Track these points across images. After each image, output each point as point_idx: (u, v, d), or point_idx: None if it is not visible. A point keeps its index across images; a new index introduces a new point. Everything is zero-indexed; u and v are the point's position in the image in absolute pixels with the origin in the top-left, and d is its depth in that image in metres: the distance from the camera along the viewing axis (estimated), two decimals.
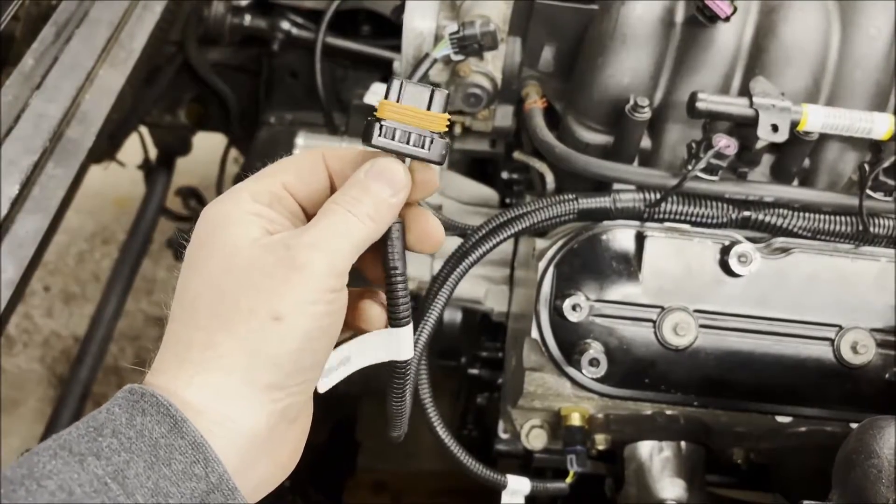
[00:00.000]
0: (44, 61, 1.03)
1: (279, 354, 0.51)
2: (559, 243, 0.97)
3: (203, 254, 0.54)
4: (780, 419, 0.97)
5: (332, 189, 0.58)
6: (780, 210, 0.97)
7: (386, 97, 0.55)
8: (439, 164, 0.55)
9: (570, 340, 0.94)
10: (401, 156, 0.55)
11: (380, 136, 0.54)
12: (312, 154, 0.58)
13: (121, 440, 0.47)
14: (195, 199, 1.93)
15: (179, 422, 0.48)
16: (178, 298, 0.54)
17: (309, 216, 0.57)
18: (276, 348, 0.51)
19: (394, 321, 0.59)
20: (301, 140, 1.20)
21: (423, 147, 0.55)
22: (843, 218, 0.97)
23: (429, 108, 0.55)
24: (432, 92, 0.55)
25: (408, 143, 0.54)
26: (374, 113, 0.55)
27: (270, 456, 0.53)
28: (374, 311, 0.60)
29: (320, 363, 0.54)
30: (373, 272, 0.60)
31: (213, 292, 0.52)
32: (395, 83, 0.55)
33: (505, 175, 1.24)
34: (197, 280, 0.53)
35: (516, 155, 1.15)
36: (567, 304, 0.93)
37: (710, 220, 0.97)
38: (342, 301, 0.53)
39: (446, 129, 0.56)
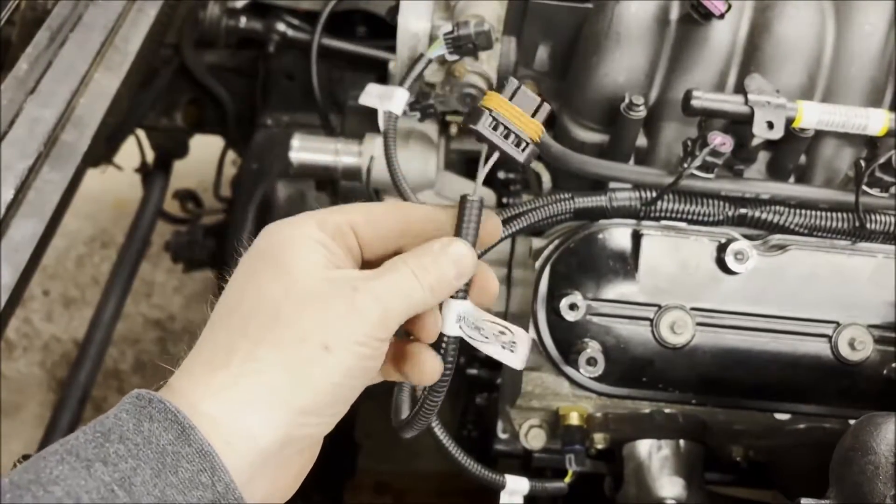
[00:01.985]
0: (38, 66, 1.03)
1: (320, 382, 0.52)
2: (556, 242, 0.97)
3: (264, 268, 0.55)
4: (778, 416, 0.97)
5: (402, 243, 0.59)
6: (777, 207, 0.97)
7: (499, 90, 0.56)
8: (524, 165, 0.57)
9: (568, 340, 0.94)
10: (494, 147, 0.56)
11: (485, 124, 0.56)
12: (392, 203, 0.60)
13: (128, 446, 0.47)
14: (193, 202, 1.93)
15: (187, 429, 0.48)
16: (226, 305, 0.55)
17: (364, 259, 0.59)
18: (320, 376, 0.52)
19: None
20: (297, 141, 1.20)
21: (517, 147, 0.56)
22: (839, 214, 0.96)
23: (533, 116, 0.57)
24: (541, 103, 0.57)
25: (506, 139, 0.56)
26: (482, 103, 0.56)
27: (273, 477, 0.53)
28: (423, 353, 0.61)
29: (350, 400, 0.55)
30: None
31: (268, 309, 0.53)
32: (512, 83, 0.57)
33: (501, 175, 1.24)
34: (254, 293, 0.54)
35: None
36: (564, 304, 0.93)
37: (706, 218, 0.96)
38: (383, 351, 0.55)
39: (538, 140, 0.57)
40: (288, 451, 0.53)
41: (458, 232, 0.58)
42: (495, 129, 0.56)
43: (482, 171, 0.58)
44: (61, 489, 0.44)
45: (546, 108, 0.57)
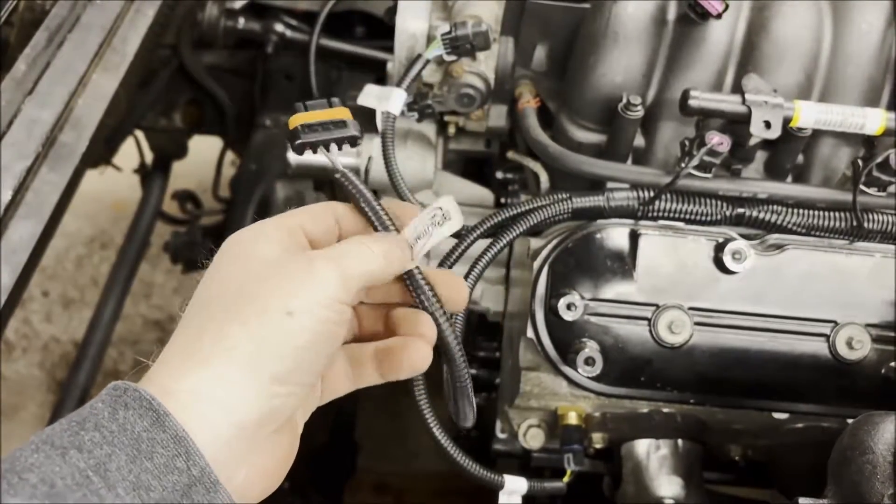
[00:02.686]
0: (36, 66, 1.03)
1: (287, 347, 0.53)
2: (553, 242, 0.97)
3: (226, 262, 0.58)
4: (776, 416, 0.97)
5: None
6: (775, 206, 0.97)
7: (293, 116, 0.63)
8: (360, 137, 0.63)
9: (566, 339, 0.94)
10: (327, 143, 0.62)
11: (301, 139, 0.61)
12: (324, 204, 0.63)
13: (103, 434, 0.47)
14: (192, 203, 1.93)
15: (162, 416, 0.49)
16: (195, 299, 0.57)
17: None
18: (285, 341, 0.53)
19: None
20: None
21: (342, 129, 0.62)
22: (837, 214, 0.96)
23: (330, 107, 0.63)
24: (329, 100, 0.64)
25: (325, 132, 0.62)
26: (291, 127, 0.62)
27: (253, 459, 0.54)
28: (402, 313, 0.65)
29: (318, 369, 0.57)
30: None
31: (230, 290, 0.55)
32: (298, 105, 0.63)
33: (500, 175, 1.24)
34: (218, 282, 0.57)
35: (510, 155, 1.16)
36: (562, 304, 0.93)
37: (704, 218, 0.96)
38: (347, 315, 0.57)
39: (350, 116, 0.63)
40: (264, 428, 0.54)
41: (371, 223, 0.62)
42: (314, 133, 0.62)
43: (336, 161, 0.63)
44: (36, 476, 0.45)
45: (335, 100, 0.64)
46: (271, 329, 0.53)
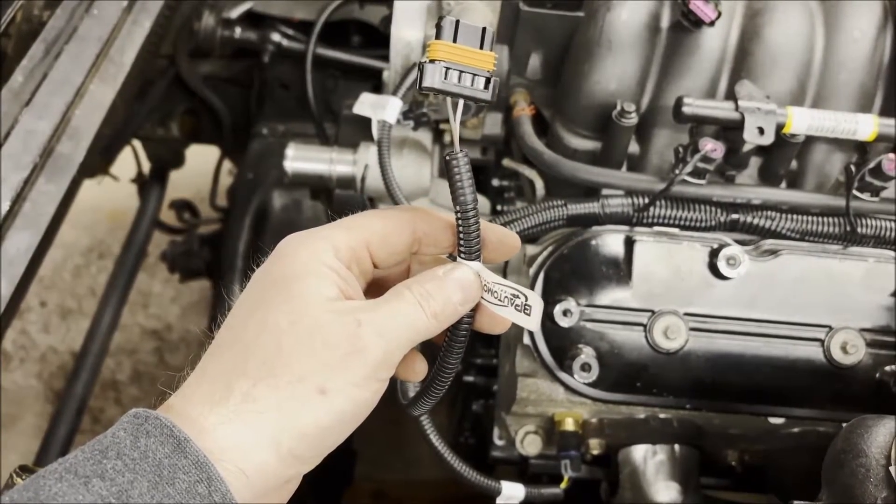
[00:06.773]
0: (33, 78, 1.04)
1: (311, 427, 0.52)
2: (549, 249, 0.97)
3: (273, 297, 0.54)
4: (772, 420, 0.98)
5: (413, 250, 0.59)
6: (769, 212, 0.97)
7: (438, 37, 0.53)
8: (491, 102, 0.55)
9: (562, 346, 0.95)
10: (455, 97, 0.54)
11: (435, 77, 0.52)
12: (402, 216, 0.58)
13: (125, 461, 0.47)
14: (189, 212, 1.93)
15: (182, 442, 0.49)
16: (232, 329, 0.55)
17: (376, 267, 0.59)
18: (311, 421, 0.51)
19: (465, 256, 0.58)
20: (291, 151, 1.20)
21: (478, 87, 0.53)
22: (830, 219, 0.97)
23: (482, 47, 0.54)
24: (483, 30, 0.54)
25: (460, 83, 0.53)
26: (427, 55, 0.53)
27: (266, 500, 0.53)
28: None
29: (338, 443, 0.55)
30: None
31: (270, 343, 0.52)
32: (447, 22, 0.53)
33: (495, 182, 1.25)
34: (259, 322, 0.54)
35: (506, 162, 1.16)
36: (558, 310, 0.93)
37: (698, 224, 0.97)
38: (382, 390, 0.54)
39: (493, 69, 0.54)
40: (277, 483, 0.53)
41: (458, 238, 0.57)
42: (447, 77, 0.53)
43: (455, 123, 0.55)
44: None
45: (490, 31, 0.54)
46: (299, 405, 0.51)
